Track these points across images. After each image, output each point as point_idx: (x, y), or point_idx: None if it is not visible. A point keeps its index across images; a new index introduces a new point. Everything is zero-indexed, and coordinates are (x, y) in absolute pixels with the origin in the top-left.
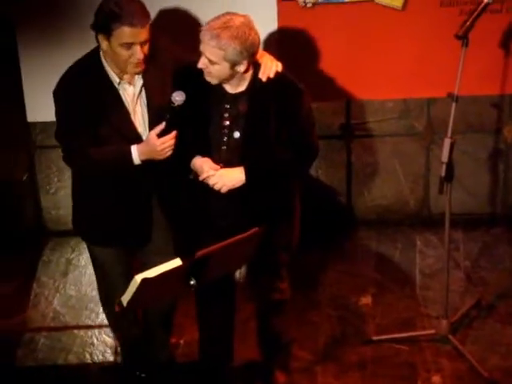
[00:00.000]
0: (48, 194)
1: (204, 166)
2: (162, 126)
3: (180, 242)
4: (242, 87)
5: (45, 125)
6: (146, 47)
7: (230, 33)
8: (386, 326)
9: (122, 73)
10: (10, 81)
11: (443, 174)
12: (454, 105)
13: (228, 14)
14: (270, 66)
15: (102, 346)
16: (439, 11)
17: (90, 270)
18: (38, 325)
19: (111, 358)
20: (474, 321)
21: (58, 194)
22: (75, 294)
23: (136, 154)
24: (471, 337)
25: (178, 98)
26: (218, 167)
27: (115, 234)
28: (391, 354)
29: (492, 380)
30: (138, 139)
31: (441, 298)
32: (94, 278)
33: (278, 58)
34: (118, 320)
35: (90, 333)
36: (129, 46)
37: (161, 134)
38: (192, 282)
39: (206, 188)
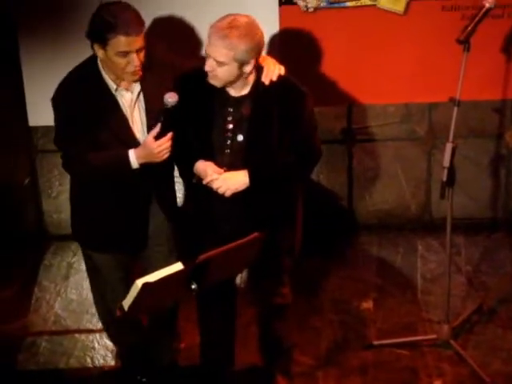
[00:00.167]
0: (49, 197)
1: (207, 170)
2: (158, 128)
3: (184, 246)
4: (246, 90)
5: (46, 129)
6: (142, 54)
7: (239, 32)
8: (388, 330)
9: (118, 79)
10: (12, 85)
11: (445, 178)
12: (455, 109)
13: (231, 14)
14: (273, 70)
15: (103, 349)
16: (441, 16)
17: None
18: (39, 329)
19: (112, 362)
20: (475, 326)
21: (60, 197)
22: (76, 298)
23: (134, 157)
24: (473, 342)
25: (171, 99)
26: (222, 171)
27: (114, 238)
28: (392, 359)
29: None
30: (136, 144)
31: (442, 302)
32: None
33: (280, 62)
34: (117, 327)
35: (91, 337)
36: (125, 54)
37: (157, 137)
38: (193, 287)
39: (209, 192)
